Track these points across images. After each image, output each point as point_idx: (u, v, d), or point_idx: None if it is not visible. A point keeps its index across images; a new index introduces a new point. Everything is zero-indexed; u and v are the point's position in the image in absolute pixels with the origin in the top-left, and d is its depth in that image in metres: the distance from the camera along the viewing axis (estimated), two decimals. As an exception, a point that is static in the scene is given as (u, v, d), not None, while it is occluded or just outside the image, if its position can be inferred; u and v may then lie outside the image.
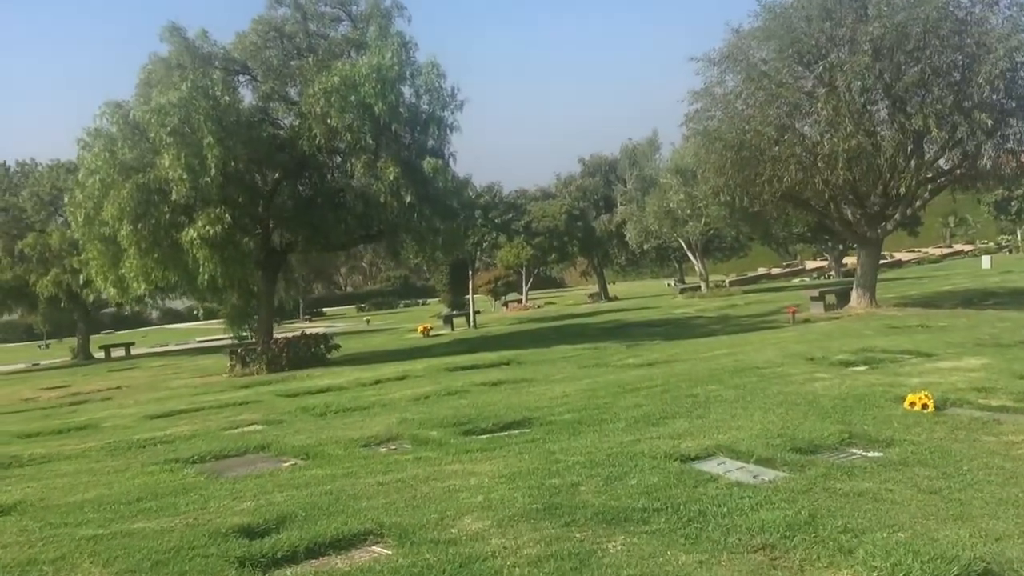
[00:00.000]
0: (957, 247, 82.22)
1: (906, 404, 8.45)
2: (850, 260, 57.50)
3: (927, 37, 19.95)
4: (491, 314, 47.01)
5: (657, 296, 50.15)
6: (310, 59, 19.94)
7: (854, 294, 24.44)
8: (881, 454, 6.81)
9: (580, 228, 52.94)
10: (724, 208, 34.41)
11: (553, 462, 6.95)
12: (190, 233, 18.19)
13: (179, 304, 55.44)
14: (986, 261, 49.78)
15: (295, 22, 20.83)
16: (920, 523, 4.98)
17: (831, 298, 25.38)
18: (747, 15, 22.72)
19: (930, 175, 23.35)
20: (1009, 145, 21.77)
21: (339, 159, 21.79)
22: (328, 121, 18.85)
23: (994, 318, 18.85)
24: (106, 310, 34.72)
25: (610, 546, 4.79)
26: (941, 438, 7.13)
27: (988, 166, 21.83)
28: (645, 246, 48.08)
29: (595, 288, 58.40)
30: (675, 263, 62.05)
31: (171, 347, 44.61)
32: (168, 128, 17.75)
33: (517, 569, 4.50)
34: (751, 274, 69.04)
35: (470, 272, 35.55)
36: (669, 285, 66.93)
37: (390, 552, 5.03)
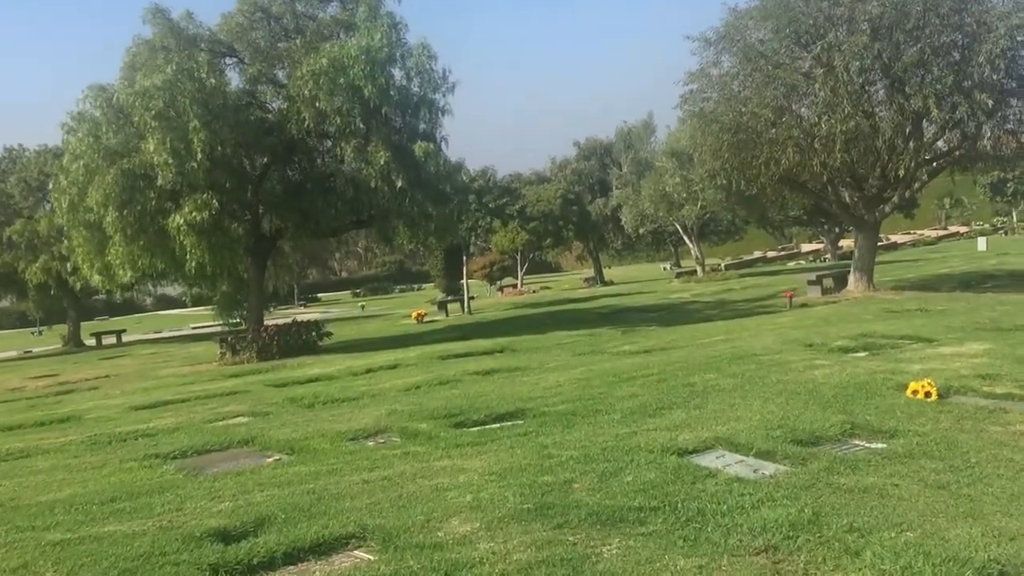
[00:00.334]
0: (953, 229, 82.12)
1: (908, 392, 8.22)
2: (846, 243, 57.37)
3: (927, 16, 19.62)
4: (486, 299, 46.76)
5: (653, 280, 49.94)
6: (298, 41, 19.51)
7: (851, 278, 24.20)
8: (885, 445, 6.56)
9: (575, 212, 52.66)
10: (720, 191, 34.23)
11: (546, 457, 6.68)
12: (176, 219, 17.84)
13: (173, 290, 55.08)
14: (982, 243, 49.60)
15: (282, 2, 20.35)
16: (929, 521, 4.73)
17: (828, 282, 25.14)
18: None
19: (929, 157, 23.05)
20: (1009, 125, 21.49)
21: (329, 143, 21.41)
22: (317, 104, 18.47)
23: (993, 301, 18.62)
24: (97, 297, 34.37)
25: (605, 550, 4.52)
26: (946, 428, 6.88)
27: (988, 147, 21.54)
28: (641, 230, 47.82)
29: (591, 272, 58.21)
30: (671, 247, 61.82)
31: (164, 334, 44.30)
32: (153, 112, 17.36)
33: (506, 577, 4.24)
34: (747, 257, 68.84)
35: (464, 257, 35.21)
36: (665, 269, 66.74)
37: (373, 558, 4.76)
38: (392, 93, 19.23)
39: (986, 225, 78.20)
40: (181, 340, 36.02)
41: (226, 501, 6.06)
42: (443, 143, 20.99)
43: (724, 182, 25.22)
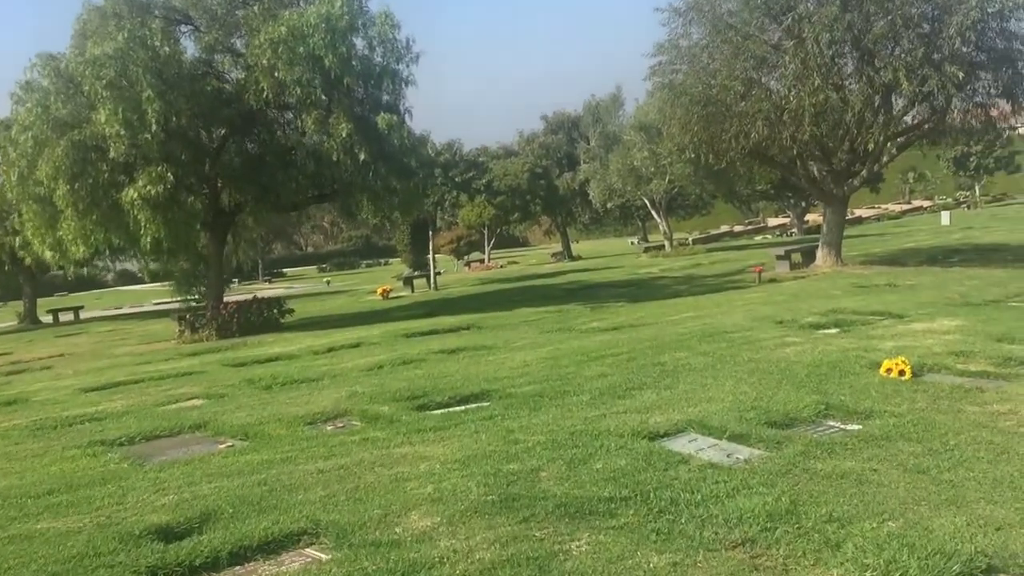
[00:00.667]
0: (916, 203, 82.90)
1: (882, 371, 8.06)
2: (812, 217, 57.66)
3: (898, -14, 19.43)
4: (453, 274, 46.40)
5: (621, 255, 49.83)
6: (256, 8, 18.78)
7: (820, 252, 24.15)
8: (860, 427, 6.38)
9: (543, 187, 52.26)
10: (688, 165, 34.06)
11: (512, 443, 6.39)
12: (130, 193, 17.17)
13: (133, 266, 54.01)
14: (945, 217, 50.00)
15: (238, -33, 19.63)
16: (911, 510, 4.52)
17: (796, 257, 25.07)
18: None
19: (898, 130, 22.94)
20: (978, 98, 21.42)
21: (290, 115, 20.79)
22: (276, 74, 17.83)
23: (961, 276, 18.61)
24: (56, 272, 33.42)
25: (573, 547, 4.25)
26: (923, 409, 6.70)
27: (957, 120, 21.48)
28: (609, 204, 47.62)
29: (559, 247, 57.94)
30: (639, 221, 61.74)
31: (125, 310, 43.41)
32: (104, 81, 16.63)
33: (467, 580, 3.94)
34: (714, 232, 69.03)
35: (431, 232, 34.74)
36: (633, 243, 66.73)
37: (325, 557, 4.44)
38: (354, 63, 18.62)
39: (949, 199, 78.99)
40: (140, 317, 35.27)
41: (171, 494, 5.70)
42: (407, 115, 20.45)
43: (692, 156, 24.98)
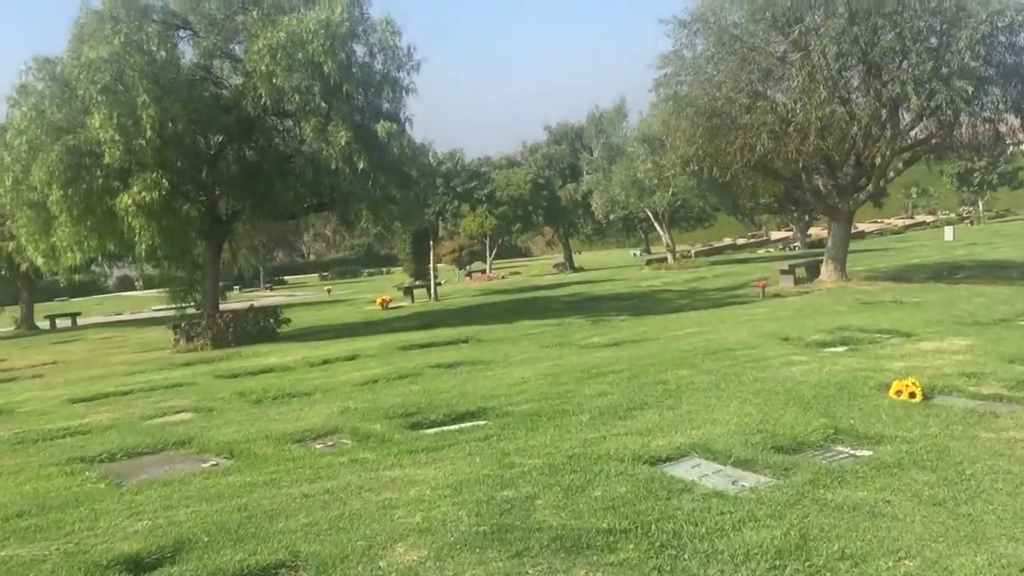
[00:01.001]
0: (919, 218, 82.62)
1: (892, 392, 7.77)
2: (815, 231, 57.38)
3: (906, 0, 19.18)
4: (454, 284, 46.12)
5: (623, 267, 49.57)
6: (255, 13, 18.53)
7: (824, 267, 23.85)
8: (871, 453, 6.08)
9: (545, 197, 52.03)
10: (692, 178, 33.84)
11: (507, 467, 6.10)
12: (125, 200, 16.88)
13: (133, 272, 53.68)
14: (948, 232, 49.72)
15: (238, -29, 19.39)
16: (929, 547, 4.23)
17: (801, 271, 24.77)
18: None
19: (905, 144, 22.66)
20: (986, 113, 21.14)
21: (290, 123, 20.54)
22: (274, 80, 17.55)
23: (968, 293, 18.33)
24: (55, 277, 33.15)
25: (569, 586, 3.95)
26: (935, 434, 6.40)
27: (965, 135, 21.21)
28: (611, 216, 47.35)
29: (561, 258, 57.65)
30: (641, 233, 61.46)
31: (124, 316, 43.11)
32: (99, 85, 16.35)
33: (452, 626, 3.65)
34: (717, 244, 68.72)
35: (431, 242, 34.45)
36: (635, 255, 66.48)
37: (303, 593, 4.14)
38: (354, 70, 18.36)
39: (952, 215, 78.73)
40: (138, 324, 35.00)
41: (145, 519, 5.40)
42: (407, 123, 20.13)
43: (696, 168, 24.73)
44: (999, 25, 18.92)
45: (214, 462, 7.25)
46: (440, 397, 9.45)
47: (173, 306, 22.87)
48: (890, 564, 4.01)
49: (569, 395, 8.95)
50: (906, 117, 21.78)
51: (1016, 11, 19.17)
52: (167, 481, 6.52)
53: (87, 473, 7.00)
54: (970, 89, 18.76)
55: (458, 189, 54.04)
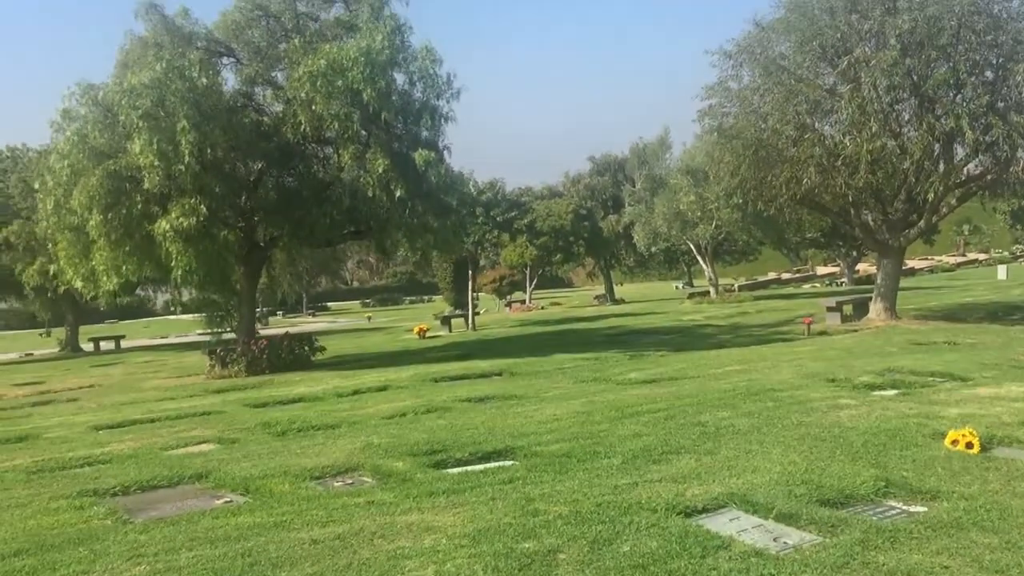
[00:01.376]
0: (971, 256, 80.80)
1: (947, 442, 7.24)
2: (862, 267, 56.21)
3: (961, 32, 18.60)
4: (493, 314, 45.85)
5: (665, 300, 48.91)
6: (296, 41, 18.58)
7: (873, 305, 23.10)
8: (926, 509, 5.58)
9: (587, 228, 51.68)
10: (736, 211, 33.26)
11: (530, 514, 5.69)
12: (163, 225, 16.90)
13: (189, 295, 54.22)
14: (1002, 271, 48.41)
15: (282, 1, 19.43)
16: (994, 623, 3.75)
17: (848, 309, 24.03)
18: (768, 6, 21.42)
19: (959, 180, 21.92)
20: (1044, 150, 20.37)
21: (330, 150, 20.50)
22: (313, 107, 17.52)
23: (1025, 335, 17.54)
24: (95, 301, 33.57)
25: (588, 662, 3.55)
26: (996, 491, 5.88)
27: (1022, 172, 20.44)
28: (653, 248, 46.84)
29: (602, 290, 57.16)
30: (684, 266, 60.74)
31: (170, 339, 43.48)
32: (140, 111, 16.45)
33: None
34: (761, 278, 67.78)
35: (471, 271, 34.24)
36: (677, 288, 65.80)
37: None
38: (393, 98, 18.28)
39: (1005, 253, 76.87)
40: (181, 347, 35.23)
41: (145, 563, 5.09)
42: (446, 152, 20.02)
43: (740, 201, 24.20)
44: (1058, 59, 18.27)
45: (228, 499, 6.96)
46: (467, 434, 9.09)
47: (216, 331, 22.86)
48: (950, 643, 3.55)
49: (602, 435, 8.54)
50: (960, 152, 21.08)
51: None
52: (175, 519, 6.22)
53: (96, 508, 6.74)
54: (1028, 124, 18.10)
55: (498, 219, 53.93)
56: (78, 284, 19.43)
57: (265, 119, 19.90)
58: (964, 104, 18.90)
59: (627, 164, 51.64)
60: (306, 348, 21.24)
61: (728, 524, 5.43)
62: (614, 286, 57.69)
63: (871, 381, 11.39)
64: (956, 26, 18.52)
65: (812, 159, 20.39)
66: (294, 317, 68.66)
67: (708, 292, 46.23)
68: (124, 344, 39.33)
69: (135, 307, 75.72)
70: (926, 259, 74.02)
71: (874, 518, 5.42)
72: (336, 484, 7.32)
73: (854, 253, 52.59)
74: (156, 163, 16.54)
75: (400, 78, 19.04)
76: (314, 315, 71.53)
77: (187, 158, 16.53)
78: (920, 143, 19.43)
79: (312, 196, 19.38)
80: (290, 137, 18.63)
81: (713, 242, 43.90)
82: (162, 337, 45.63)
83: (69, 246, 18.71)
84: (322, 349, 21.99)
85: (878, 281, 23.67)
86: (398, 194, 17.95)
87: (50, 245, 22.52)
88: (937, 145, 20.23)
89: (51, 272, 28.08)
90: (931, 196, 21.10)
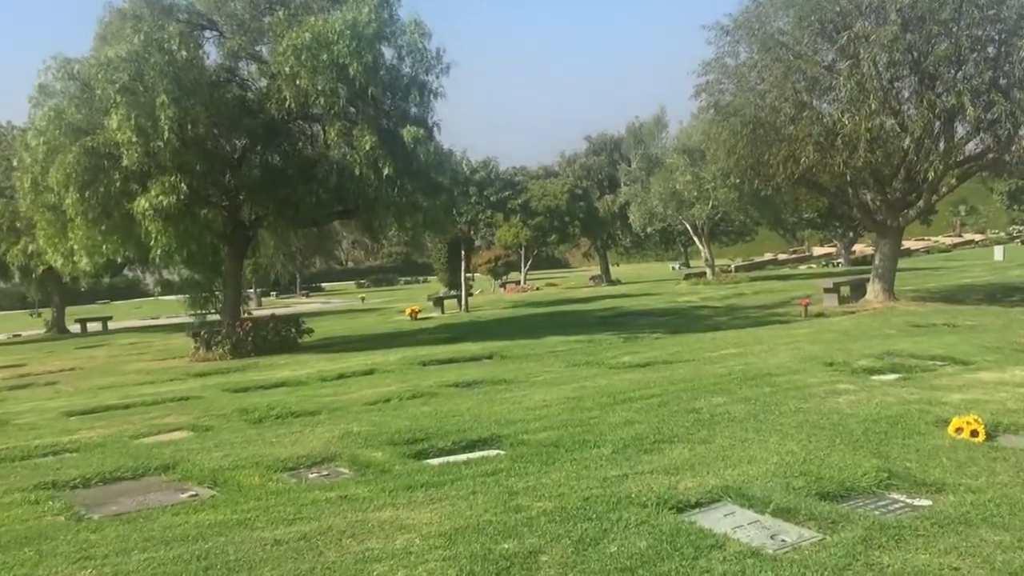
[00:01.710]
0: (968, 236, 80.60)
1: (951, 430, 6.95)
2: (859, 247, 55.93)
3: (964, 6, 18.11)
4: (488, 295, 45.50)
5: (661, 281, 48.60)
6: (281, 13, 17.99)
7: (871, 286, 22.73)
8: (931, 503, 5.28)
9: (582, 208, 51.25)
10: (733, 190, 32.87)
11: (513, 510, 5.33)
12: (142, 203, 16.41)
13: (175, 275, 53.62)
14: (999, 252, 48.25)
15: (266, -29, 18.86)
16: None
17: (846, 290, 23.68)
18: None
19: (959, 159, 21.48)
20: (1047, 128, 19.94)
21: (317, 127, 19.97)
22: (298, 82, 16.98)
23: (1026, 317, 17.22)
24: (75, 281, 32.98)
25: None
26: (1005, 483, 5.57)
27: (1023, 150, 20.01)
28: (649, 229, 46.49)
29: (598, 270, 56.82)
30: (680, 246, 60.39)
31: (161, 320, 42.97)
32: (117, 85, 15.90)
33: None
34: (757, 259, 67.50)
35: (463, 252, 33.79)
36: (673, 269, 65.51)
37: None
38: (380, 73, 17.72)
39: (1002, 233, 76.67)
40: (169, 329, 34.80)
41: (91, 567, 4.71)
42: (435, 129, 19.46)
43: (737, 180, 23.78)
44: (1064, 34, 17.81)
45: (193, 492, 6.57)
46: (452, 421, 8.71)
47: (193, 312, 22.35)
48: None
49: (592, 423, 8.17)
50: (960, 130, 20.64)
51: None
52: (133, 516, 5.84)
53: (51, 503, 6.34)
54: (1031, 101, 17.66)
55: (492, 199, 53.43)
56: (58, 263, 18.97)
57: (249, 95, 19.32)
58: (966, 81, 18.44)
59: (623, 143, 51.19)
60: (292, 330, 20.80)
61: (723, 520, 5.11)
62: (610, 267, 57.33)
63: (870, 365, 11.06)
64: (959, 1, 18.03)
65: (810, 137, 19.95)
66: (288, 298, 68.29)
67: (704, 273, 45.91)
68: (112, 325, 38.86)
69: (127, 288, 75.34)
70: (923, 240, 73.78)
71: (876, 513, 5.14)
72: (310, 476, 6.95)
73: (851, 234, 52.35)
74: (134, 139, 16.00)
75: (388, 52, 18.51)
76: (308, 296, 71.19)
77: (167, 134, 16.01)
78: (920, 121, 18.99)
79: (298, 174, 18.84)
80: (275, 113, 18.07)
81: (709, 222, 43.50)
82: (152, 318, 45.12)
83: (48, 225, 18.21)
84: (309, 331, 21.54)
85: (876, 262, 23.30)
86: (386, 172, 17.45)
87: (32, 224, 22.00)
88: (938, 123, 19.79)
89: (30, 251, 27.52)
90: (931, 175, 20.66)
